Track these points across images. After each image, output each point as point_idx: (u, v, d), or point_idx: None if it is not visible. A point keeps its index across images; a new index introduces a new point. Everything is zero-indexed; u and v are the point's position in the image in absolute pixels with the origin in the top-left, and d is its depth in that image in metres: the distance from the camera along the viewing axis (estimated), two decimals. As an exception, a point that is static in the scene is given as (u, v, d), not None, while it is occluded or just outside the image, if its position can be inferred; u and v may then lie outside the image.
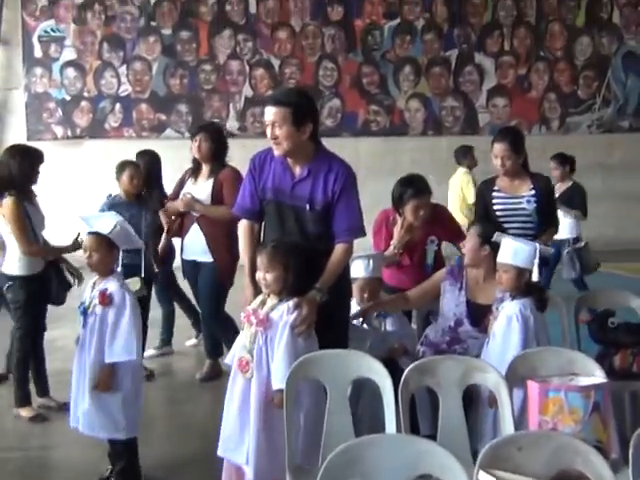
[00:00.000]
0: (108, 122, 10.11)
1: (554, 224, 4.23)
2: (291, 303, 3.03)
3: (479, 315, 3.56)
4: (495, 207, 4.11)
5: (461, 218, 7.19)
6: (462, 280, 3.67)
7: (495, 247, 3.46)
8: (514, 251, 3.27)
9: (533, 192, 4.08)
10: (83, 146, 9.98)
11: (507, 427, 2.65)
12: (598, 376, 2.73)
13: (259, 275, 3.11)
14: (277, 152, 3.21)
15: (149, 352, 5.48)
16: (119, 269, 3.47)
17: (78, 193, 9.17)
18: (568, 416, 2.52)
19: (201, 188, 4.95)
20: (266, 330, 3.03)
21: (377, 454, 2.01)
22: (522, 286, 3.28)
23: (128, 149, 9.89)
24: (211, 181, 4.92)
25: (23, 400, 4.40)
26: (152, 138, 10.04)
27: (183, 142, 10.05)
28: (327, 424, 2.76)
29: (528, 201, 4.07)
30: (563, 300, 3.96)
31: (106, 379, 3.33)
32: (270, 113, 3.15)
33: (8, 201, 4.19)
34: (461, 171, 7.89)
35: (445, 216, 4.29)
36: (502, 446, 2.00)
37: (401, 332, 3.72)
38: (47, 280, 4.40)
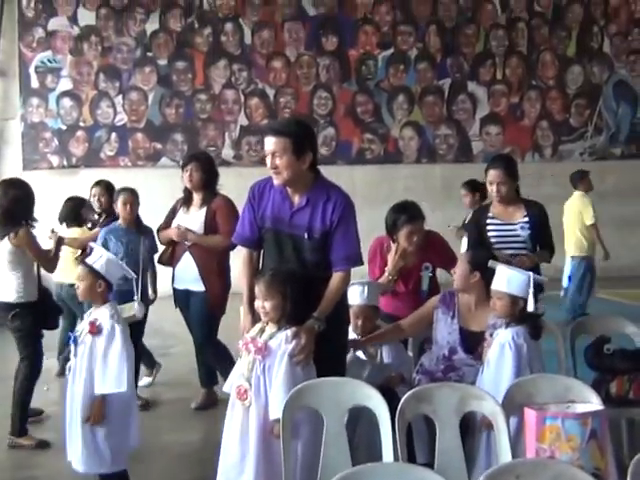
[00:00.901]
0: (104, 151, 10.16)
1: (548, 248, 4.24)
2: (289, 332, 3.03)
3: (472, 342, 3.56)
4: (490, 234, 4.13)
5: (579, 239, 7.59)
6: (454, 308, 3.67)
7: (486, 274, 3.48)
8: (508, 279, 3.29)
9: (527, 219, 4.11)
10: (79, 175, 9.99)
11: (504, 455, 2.64)
12: (595, 403, 2.73)
13: (257, 303, 3.12)
14: (277, 181, 3.23)
15: (144, 381, 5.45)
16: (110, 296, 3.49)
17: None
18: (565, 443, 2.50)
19: (194, 217, 4.96)
20: (264, 358, 3.03)
21: (374, 483, 2.00)
22: (516, 314, 3.29)
23: (124, 178, 9.98)
24: (204, 210, 4.93)
25: (23, 430, 4.36)
26: (148, 167, 10.10)
27: (178, 171, 9.92)
28: (324, 452, 2.74)
29: (522, 227, 4.09)
30: (558, 327, 3.97)
31: (98, 411, 3.30)
32: (270, 143, 3.18)
33: (22, 232, 4.38)
34: (577, 194, 7.91)
35: (438, 242, 4.29)
36: (500, 474, 1.99)
37: (397, 361, 3.71)
38: (44, 306, 4.50)
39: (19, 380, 4.40)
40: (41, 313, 4.46)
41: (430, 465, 2.64)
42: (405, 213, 4.06)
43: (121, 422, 3.38)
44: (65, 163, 10.07)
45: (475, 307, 3.63)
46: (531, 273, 3.34)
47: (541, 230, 4.17)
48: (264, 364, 3.03)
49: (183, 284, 4.98)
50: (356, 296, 3.67)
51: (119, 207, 5.12)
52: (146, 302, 5.02)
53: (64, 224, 5.91)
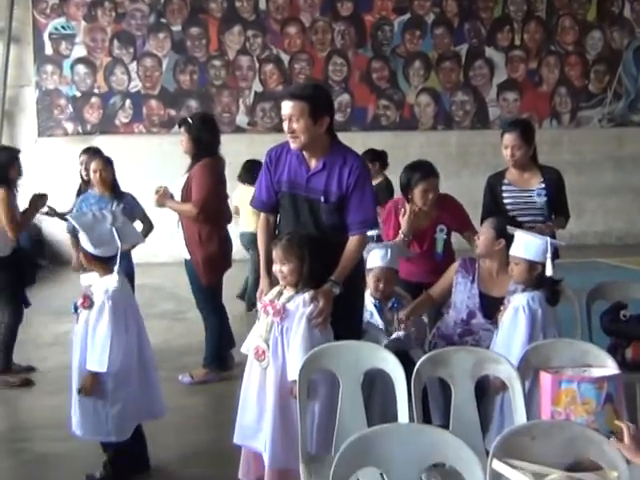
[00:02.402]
0: (118, 118, 10.14)
1: (565, 214, 4.20)
2: (307, 296, 3.06)
3: (492, 308, 3.56)
4: (505, 201, 4.08)
5: None
6: (474, 273, 3.67)
7: (509, 241, 3.47)
8: (525, 244, 3.28)
9: (543, 185, 4.05)
10: (94, 142, 9.94)
11: (519, 417, 2.65)
12: (610, 367, 2.73)
13: (275, 268, 3.14)
14: (294, 145, 3.23)
15: None
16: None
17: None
18: (581, 407, 2.52)
19: (178, 184, 4.84)
20: (282, 320, 3.06)
21: (391, 443, 2.02)
22: (533, 279, 3.28)
23: (138, 145, 10.05)
24: (186, 177, 4.77)
25: (7, 368, 4.98)
26: (162, 134, 10.08)
27: (193, 138, 10.15)
28: (340, 414, 2.77)
29: (539, 194, 4.04)
30: (575, 293, 3.95)
31: (88, 385, 3.29)
32: (287, 107, 3.18)
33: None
34: None
35: (453, 205, 4.25)
36: (516, 435, 2.00)
37: (412, 325, 3.72)
38: (18, 261, 4.93)
39: (2, 327, 4.94)
40: (15, 267, 4.85)
41: (445, 428, 2.66)
42: (419, 171, 4.03)
43: (123, 394, 3.34)
44: (80, 130, 10.07)
45: (497, 274, 3.63)
46: (548, 238, 3.32)
47: (558, 196, 4.12)
48: (282, 326, 3.06)
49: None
50: (378, 259, 3.67)
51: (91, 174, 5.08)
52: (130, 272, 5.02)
53: (245, 183, 6.49)
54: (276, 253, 3.13)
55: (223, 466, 3.54)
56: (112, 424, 3.34)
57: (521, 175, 4.10)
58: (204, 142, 4.69)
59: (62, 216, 5.34)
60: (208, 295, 4.92)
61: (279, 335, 3.07)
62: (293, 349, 3.01)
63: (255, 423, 3.10)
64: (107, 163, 5.16)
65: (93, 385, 3.29)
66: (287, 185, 3.30)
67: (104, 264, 3.38)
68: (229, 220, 5.18)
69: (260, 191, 3.42)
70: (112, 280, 3.34)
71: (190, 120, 4.81)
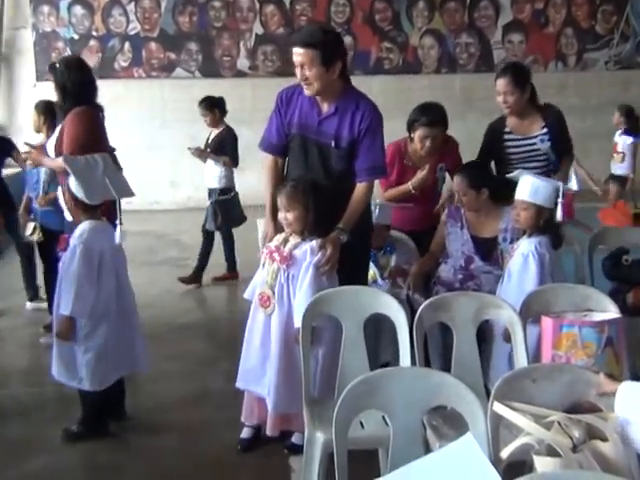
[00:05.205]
0: (117, 62, 9.99)
1: (569, 152, 4.07)
2: (315, 244, 3.05)
3: (487, 249, 3.60)
4: (509, 150, 3.97)
5: None
6: (462, 219, 3.67)
7: (492, 185, 3.55)
8: (535, 189, 3.18)
9: (545, 130, 3.93)
10: (93, 86, 9.89)
11: (521, 362, 2.68)
12: (612, 312, 2.75)
13: (280, 215, 3.13)
14: (308, 92, 3.20)
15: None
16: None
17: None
18: (581, 350, 2.54)
19: (51, 140, 4.04)
20: (289, 267, 3.06)
21: (393, 386, 2.04)
22: (539, 224, 3.23)
23: (138, 89, 9.92)
24: (59, 128, 3.96)
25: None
26: (162, 77, 9.94)
27: (193, 81, 10.01)
28: (343, 358, 2.80)
29: (542, 140, 3.94)
30: (578, 238, 3.95)
31: (63, 329, 3.27)
32: (298, 55, 3.13)
33: None
34: None
35: (454, 148, 4.16)
36: (516, 378, 2.02)
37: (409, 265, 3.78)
38: None
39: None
40: None
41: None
42: (426, 115, 3.96)
43: (97, 341, 3.30)
44: (79, 74, 9.92)
45: (484, 216, 3.64)
46: (561, 183, 3.28)
47: (560, 137, 3.99)
48: (288, 273, 3.06)
49: None
50: None
51: None
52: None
53: None
54: (280, 200, 3.11)
55: (226, 409, 3.60)
56: (85, 371, 3.31)
57: (521, 122, 3.98)
58: (70, 90, 3.92)
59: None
60: None
61: (285, 282, 3.06)
62: (299, 296, 3.01)
63: (259, 368, 3.13)
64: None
65: (68, 330, 3.27)
66: (297, 127, 3.27)
67: (90, 211, 3.33)
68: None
69: (270, 133, 3.38)
70: (88, 225, 3.29)
71: (57, 65, 4.05)
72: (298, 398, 2.84)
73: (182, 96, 9.05)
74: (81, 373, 3.33)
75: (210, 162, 6.13)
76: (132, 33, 9.95)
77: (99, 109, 4.03)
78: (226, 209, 6.09)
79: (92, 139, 3.80)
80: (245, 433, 3.34)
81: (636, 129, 7.71)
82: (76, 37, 9.89)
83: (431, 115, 3.97)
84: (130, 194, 3.46)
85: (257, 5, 10.09)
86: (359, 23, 10.25)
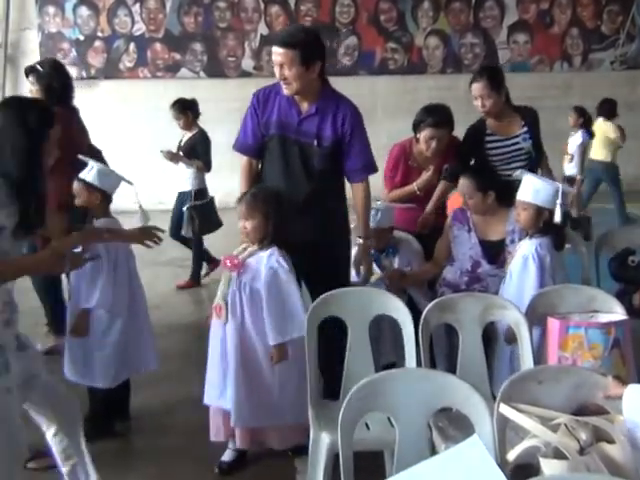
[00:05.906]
0: (122, 62, 10.01)
1: (543, 153, 4.09)
2: (277, 252, 2.99)
3: (494, 252, 3.57)
4: (492, 152, 3.94)
5: None
6: (468, 222, 3.65)
7: (497, 187, 3.54)
8: (536, 190, 3.20)
9: (526, 128, 3.94)
10: (99, 87, 9.90)
11: (527, 363, 2.66)
12: (618, 313, 2.73)
13: (239, 224, 3.05)
14: (287, 92, 3.18)
15: None
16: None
17: (93, 134, 9.13)
18: (588, 352, 2.53)
19: None
20: (239, 275, 3.00)
21: (399, 388, 2.03)
22: (540, 225, 3.24)
23: (143, 89, 9.93)
24: None
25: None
26: (167, 78, 9.96)
27: (198, 82, 10.02)
28: (348, 360, 2.79)
29: (524, 139, 3.94)
30: (581, 239, 3.93)
31: (80, 324, 3.27)
32: (278, 54, 3.12)
33: None
34: None
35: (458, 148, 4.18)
36: (523, 380, 2.01)
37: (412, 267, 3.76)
38: None
39: None
40: None
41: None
42: (432, 116, 3.95)
43: (112, 338, 3.31)
44: (84, 74, 9.94)
45: (490, 218, 3.62)
46: (560, 184, 3.28)
47: (538, 135, 4.02)
48: (240, 280, 3.00)
49: None
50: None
51: None
52: None
53: None
54: (240, 209, 3.03)
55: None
56: (99, 367, 3.32)
57: (501, 123, 3.97)
58: (55, 91, 4.22)
59: None
60: None
61: (237, 290, 3.00)
62: (268, 312, 2.95)
63: (220, 382, 3.05)
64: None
65: (85, 325, 3.26)
66: (276, 126, 3.24)
67: (107, 206, 3.36)
68: None
69: (245, 134, 3.34)
70: (104, 223, 3.30)
71: (40, 67, 4.37)
72: (263, 412, 2.86)
73: (187, 96, 9.06)
74: (95, 370, 3.34)
75: (182, 165, 6.06)
76: (137, 34, 9.97)
77: (76, 110, 4.34)
78: (202, 214, 5.99)
79: (71, 139, 3.84)
80: (227, 456, 3.20)
81: (588, 129, 7.79)
82: (81, 38, 9.92)
83: (437, 116, 3.96)
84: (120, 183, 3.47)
85: (262, 6, 10.10)
86: (364, 23, 10.25)
